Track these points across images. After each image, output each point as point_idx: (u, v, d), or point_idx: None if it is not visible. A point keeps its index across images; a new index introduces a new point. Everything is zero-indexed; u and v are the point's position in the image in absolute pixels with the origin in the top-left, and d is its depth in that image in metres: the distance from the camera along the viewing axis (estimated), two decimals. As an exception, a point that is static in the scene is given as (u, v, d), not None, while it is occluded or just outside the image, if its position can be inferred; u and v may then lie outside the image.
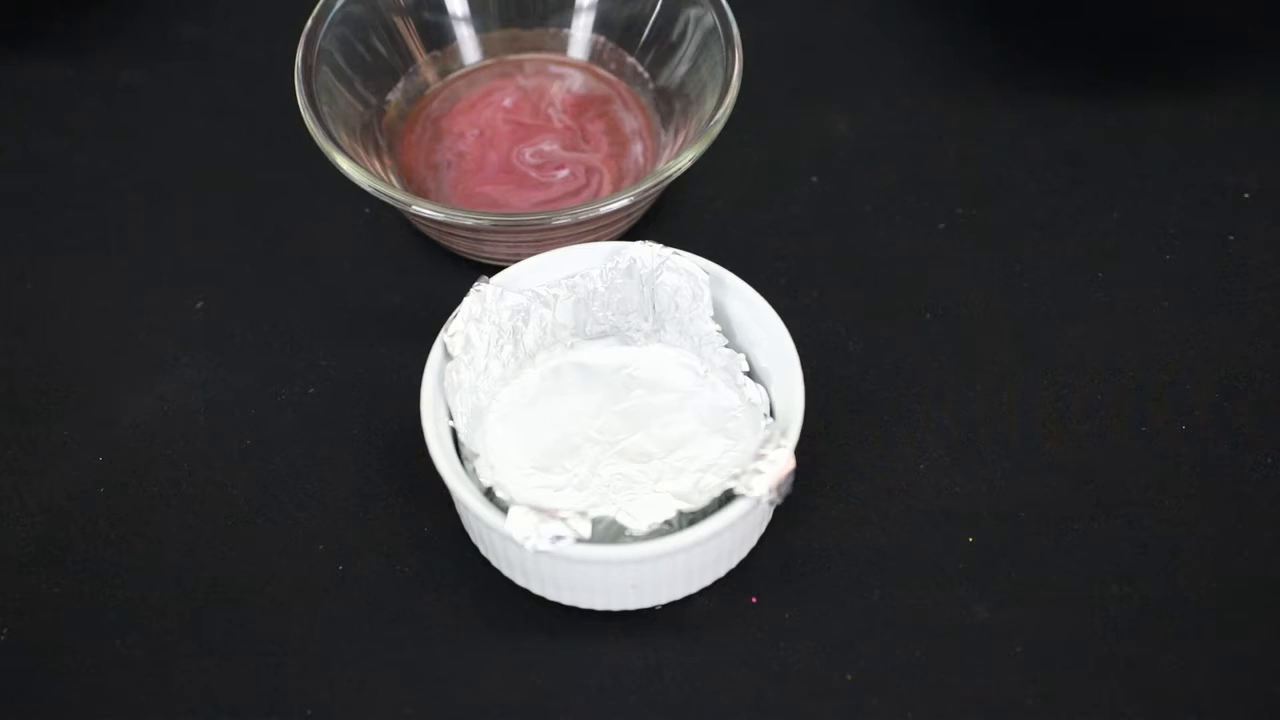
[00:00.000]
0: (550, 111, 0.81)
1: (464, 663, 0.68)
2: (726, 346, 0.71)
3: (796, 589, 0.69)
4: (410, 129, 0.80)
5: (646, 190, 0.72)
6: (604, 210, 0.72)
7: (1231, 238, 0.78)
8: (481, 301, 0.70)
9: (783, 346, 0.69)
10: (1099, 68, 0.84)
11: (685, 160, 0.73)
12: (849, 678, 0.67)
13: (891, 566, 0.70)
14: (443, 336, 0.69)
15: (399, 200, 0.73)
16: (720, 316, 0.71)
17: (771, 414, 0.70)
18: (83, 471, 0.72)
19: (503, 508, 0.65)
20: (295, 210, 0.80)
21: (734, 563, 0.69)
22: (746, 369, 0.71)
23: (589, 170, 0.79)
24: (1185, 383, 0.74)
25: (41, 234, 0.80)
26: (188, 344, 0.76)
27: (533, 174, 0.79)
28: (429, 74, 0.82)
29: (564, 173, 0.79)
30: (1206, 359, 0.75)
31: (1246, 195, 0.80)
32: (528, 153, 0.79)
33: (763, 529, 0.70)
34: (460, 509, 0.69)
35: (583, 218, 0.72)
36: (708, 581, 0.69)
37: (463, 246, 0.77)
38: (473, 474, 0.67)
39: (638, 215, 0.78)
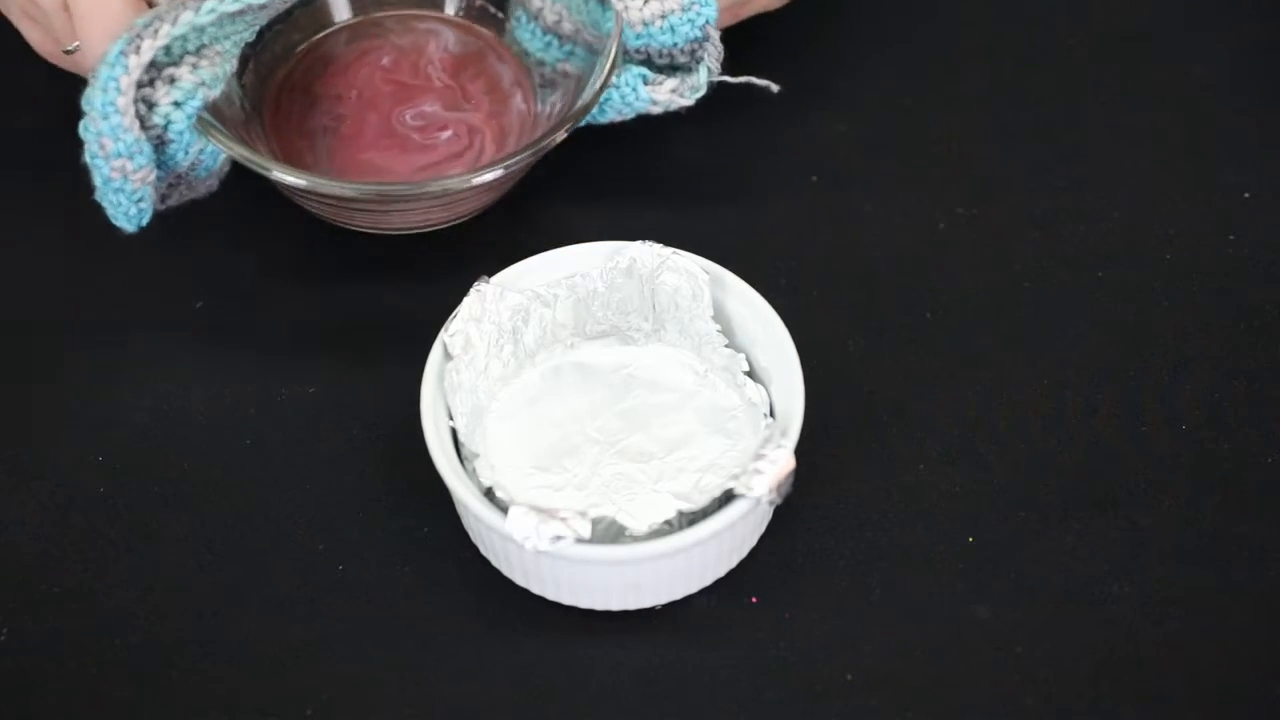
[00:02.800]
0: (430, 70, 0.79)
1: (464, 663, 0.68)
2: (726, 346, 0.71)
3: (796, 589, 0.69)
4: (281, 93, 0.79)
5: (521, 159, 0.72)
6: (476, 182, 0.72)
7: (1231, 238, 0.78)
8: (481, 301, 0.70)
9: (783, 346, 0.69)
10: (1099, 68, 0.84)
11: (561, 134, 0.72)
12: (849, 678, 0.67)
13: (891, 566, 0.70)
14: (443, 336, 0.69)
15: (259, 165, 0.72)
16: (720, 316, 0.71)
17: (771, 414, 0.70)
18: (83, 471, 0.72)
19: (503, 508, 0.65)
20: (294, 210, 0.80)
21: (734, 563, 0.69)
22: (746, 369, 0.71)
23: (471, 130, 0.78)
24: (1185, 382, 0.74)
25: (41, 234, 0.80)
26: (187, 344, 0.76)
27: (415, 136, 0.78)
28: (294, 34, 0.80)
29: (447, 134, 0.78)
30: (1206, 359, 0.75)
31: (1246, 195, 0.80)
32: (409, 115, 0.78)
33: (763, 529, 0.70)
34: (460, 509, 0.69)
35: (455, 189, 0.72)
36: (708, 581, 0.69)
37: (363, 220, 0.76)
38: (473, 474, 0.67)
39: (520, 175, 0.76)
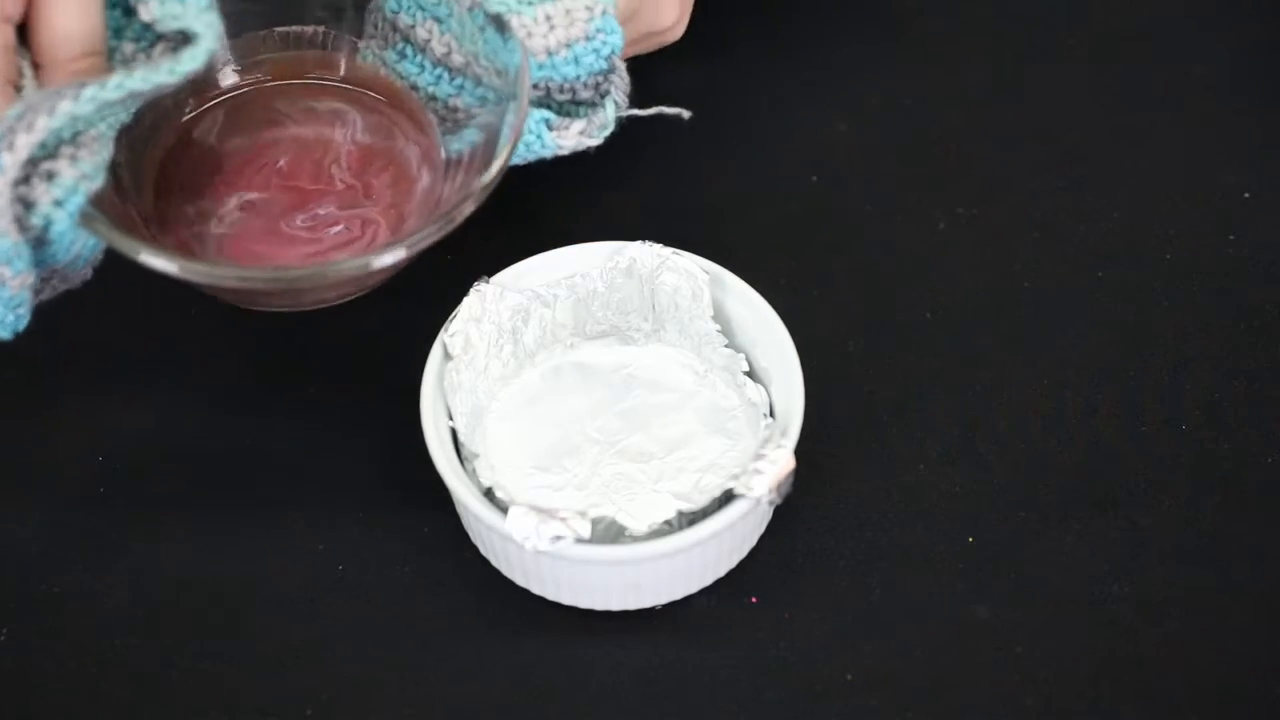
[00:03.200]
0: (334, 170, 0.72)
1: (464, 663, 0.68)
2: (726, 346, 0.71)
3: (796, 589, 0.69)
4: (163, 173, 0.72)
5: (426, 236, 0.65)
6: (376, 266, 0.65)
7: (1232, 238, 0.78)
8: (481, 301, 0.70)
9: (782, 346, 0.69)
10: (1099, 68, 0.84)
11: (467, 209, 0.66)
12: (849, 678, 0.67)
13: (891, 566, 0.70)
14: (443, 336, 0.69)
15: (126, 248, 0.65)
16: (720, 316, 0.71)
17: (771, 414, 0.70)
18: (83, 472, 0.72)
19: (503, 508, 0.65)
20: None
21: (734, 563, 0.69)
22: (746, 369, 0.71)
23: (364, 223, 0.71)
24: (1185, 382, 0.74)
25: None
26: (188, 343, 0.76)
27: (303, 234, 0.71)
28: (174, 106, 0.73)
29: (337, 229, 0.71)
30: (1206, 359, 0.75)
31: (1246, 195, 0.80)
32: (299, 219, 0.71)
33: (762, 529, 0.70)
34: (460, 509, 0.69)
35: (353, 273, 0.66)
36: (708, 581, 0.69)
37: (271, 302, 0.71)
38: (473, 474, 0.67)
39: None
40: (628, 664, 0.68)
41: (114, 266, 0.78)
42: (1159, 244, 0.78)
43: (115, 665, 0.68)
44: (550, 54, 0.69)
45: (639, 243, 0.71)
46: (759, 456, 0.65)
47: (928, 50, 0.85)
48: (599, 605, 0.68)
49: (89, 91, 0.62)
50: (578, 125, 0.71)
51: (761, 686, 0.67)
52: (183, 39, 0.67)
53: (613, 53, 0.70)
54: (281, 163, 0.73)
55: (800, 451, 0.67)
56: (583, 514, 0.64)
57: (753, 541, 0.69)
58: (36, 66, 0.66)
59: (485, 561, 0.69)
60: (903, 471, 0.72)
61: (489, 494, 0.67)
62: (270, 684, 0.67)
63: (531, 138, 0.71)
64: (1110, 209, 0.79)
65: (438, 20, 0.72)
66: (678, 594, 0.68)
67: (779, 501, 0.65)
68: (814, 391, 0.69)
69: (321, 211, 0.72)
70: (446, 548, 0.70)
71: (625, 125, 0.75)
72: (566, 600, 0.68)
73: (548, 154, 0.72)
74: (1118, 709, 0.66)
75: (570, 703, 0.67)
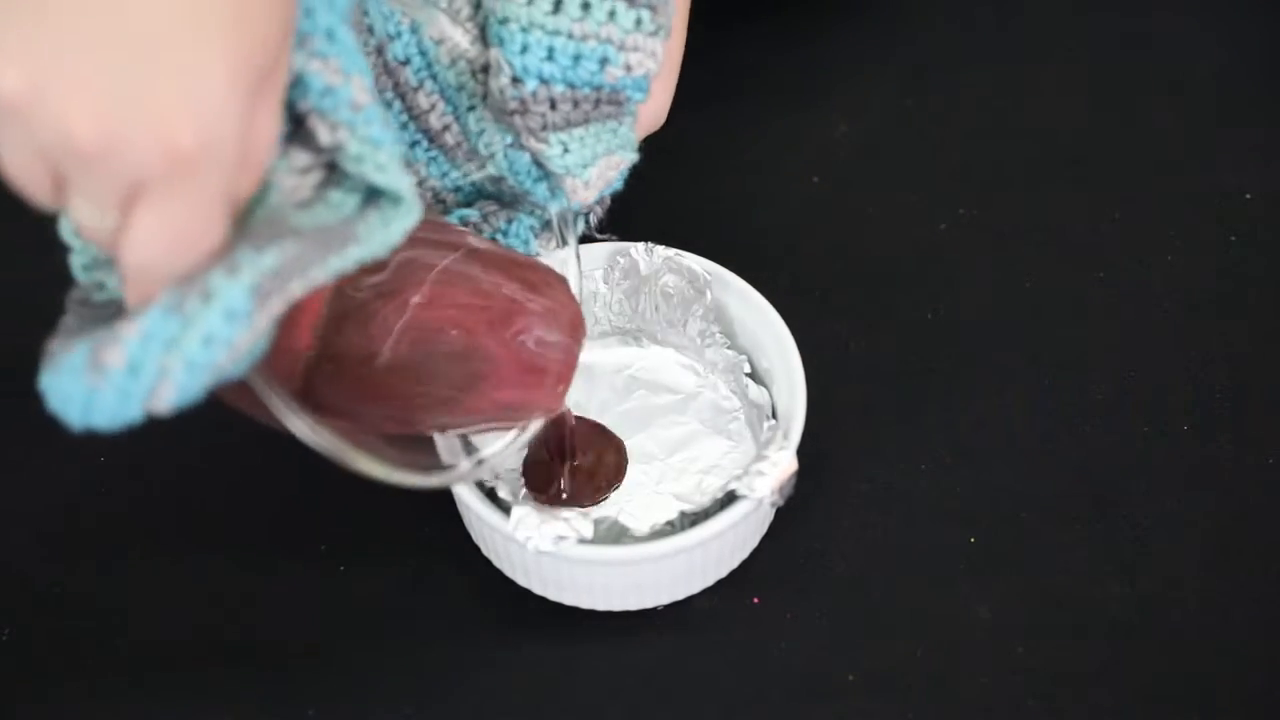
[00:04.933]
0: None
1: (464, 663, 0.68)
2: (728, 348, 0.71)
3: (797, 589, 0.69)
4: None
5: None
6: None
7: (1232, 238, 0.78)
8: (483, 302, 0.70)
9: (784, 347, 0.69)
10: (1099, 68, 0.84)
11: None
12: (849, 678, 0.67)
13: (891, 566, 0.70)
14: (444, 337, 0.69)
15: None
16: (722, 317, 0.71)
17: (773, 415, 0.70)
18: (83, 472, 0.72)
19: (505, 508, 0.65)
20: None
21: (735, 563, 0.69)
22: (748, 370, 0.71)
23: None
24: (1186, 383, 0.74)
25: (41, 235, 0.79)
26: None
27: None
28: None
29: None
30: (1207, 359, 0.75)
31: (1247, 195, 0.80)
32: None
33: (764, 529, 0.70)
34: (462, 509, 0.69)
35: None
36: (709, 582, 0.69)
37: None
38: (474, 474, 0.67)
39: None
40: (629, 664, 0.68)
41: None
42: (1159, 244, 0.78)
43: (115, 665, 0.68)
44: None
45: (641, 243, 0.71)
46: (761, 458, 0.65)
47: (928, 50, 0.85)
48: (601, 605, 0.68)
49: (337, 262, 0.56)
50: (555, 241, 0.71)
51: (763, 686, 0.67)
52: (364, 191, 0.59)
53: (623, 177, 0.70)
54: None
55: (801, 451, 0.67)
56: (585, 514, 0.64)
57: (754, 542, 0.69)
58: None
59: (487, 561, 0.69)
60: (903, 471, 0.72)
61: (491, 494, 0.67)
62: (270, 684, 0.67)
63: (516, 241, 0.72)
64: (1110, 209, 0.80)
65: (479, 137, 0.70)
66: (679, 594, 0.68)
67: (781, 503, 0.65)
68: (815, 391, 0.69)
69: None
70: (448, 548, 0.70)
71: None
72: (568, 600, 0.68)
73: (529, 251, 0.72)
74: (1118, 709, 0.66)
75: (571, 703, 0.67)
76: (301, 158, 0.58)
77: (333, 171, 0.58)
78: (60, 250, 0.79)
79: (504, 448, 0.65)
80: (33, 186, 0.53)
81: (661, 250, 0.71)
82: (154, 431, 0.73)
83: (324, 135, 0.57)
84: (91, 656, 0.68)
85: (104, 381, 0.54)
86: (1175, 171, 0.81)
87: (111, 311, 0.57)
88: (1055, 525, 0.70)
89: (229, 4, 0.51)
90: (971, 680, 0.67)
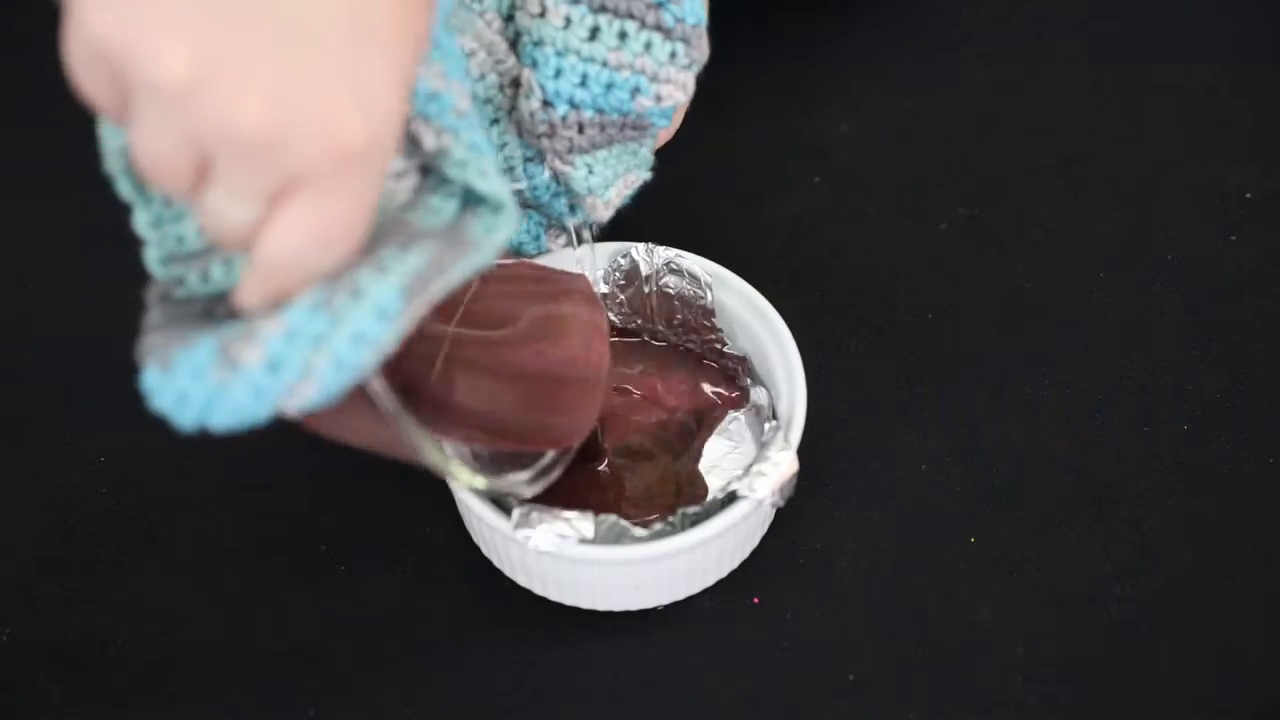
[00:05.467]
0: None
1: (464, 663, 0.68)
2: (729, 348, 0.71)
3: (798, 589, 0.69)
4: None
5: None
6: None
7: (1232, 238, 0.78)
8: (483, 302, 0.70)
9: (785, 348, 0.69)
10: (1099, 68, 0.84)
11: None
12: (850, 678, 0.67)
13: (892, 566, 0.70)
14: (445, 337, 0.69)
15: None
16: (723, 317, 0.71)
17: (774, 415, 0.70)
18: (83, 471, 0.72)
19: (505, 508, 0.65)
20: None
21: (736, 563, 0.69)
22: (749, 371, 0.71)
23: None
24: (1186, 382, 0.74)
25: (42, 234, 0.79)
26: (189, 344, 0.76)
27: None
28: None
29: None
30: (1207, 359, 0.75)
31: (1247, 195, 0.80)
32: None
33: (764, 530, 0.70)
34: (462, 509, 0.68)
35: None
36: (710, 582, 0.68)
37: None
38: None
39: None
40: (629, 664, 0.68)
41: (113, 266, 0.78)
42: (1159, 244, 0.78)
43: (115, 666, 0.68)
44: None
45: (641, 244, 0.71)
46: (762, 458, 0.65)
47: (928, 50, 0.85)
48: (601, 605, 0.68)
49: (463, 267, 0.56)
50: (562, 239, 0.72)
51: (763, 687, 0.67)
52: (462, 196, 0.58)
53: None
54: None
55: (801, 451, 0.67)
56: (585, 514, 0.64)
57: (755, 542, 0.69)
58: None
59: (487, 561, 0.69)
60: (903, 471, 0.72)
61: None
62: (270, 684, 0.67)
63: (527, 238, 0.71)
64: (1110, 209, 0.79)
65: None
66: (680, 594, 0.68)
67: (781, 503, 0.65)
68: (815, 391, 0.69)
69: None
70: (448, 548, 0.70)
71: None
72: (569, 600, 0.68)
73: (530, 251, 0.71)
74: (1118, 709, 0.66)
75: (571, 703, 0.67)
76: (397, 162, 0.57)
77: (426, 177, 0.58)
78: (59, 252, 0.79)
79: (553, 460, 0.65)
80: (169, 173, 0.51)
81: (662, 251, 0.71)
82: (155, 431, 0.73)
83: (428, 140, 0.56)
84: (91, 658, 0.68)
85: (237, 379, 0.53)
86: (1175, 171, 0.81)
87: (198, 309, 0.56)
88: (1055, 525, 0.70)
89: (393, 3, 0.51)
90: (971, 680, 0.67)
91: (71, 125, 0.83)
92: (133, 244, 0.77)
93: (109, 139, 0.56)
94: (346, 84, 0.50)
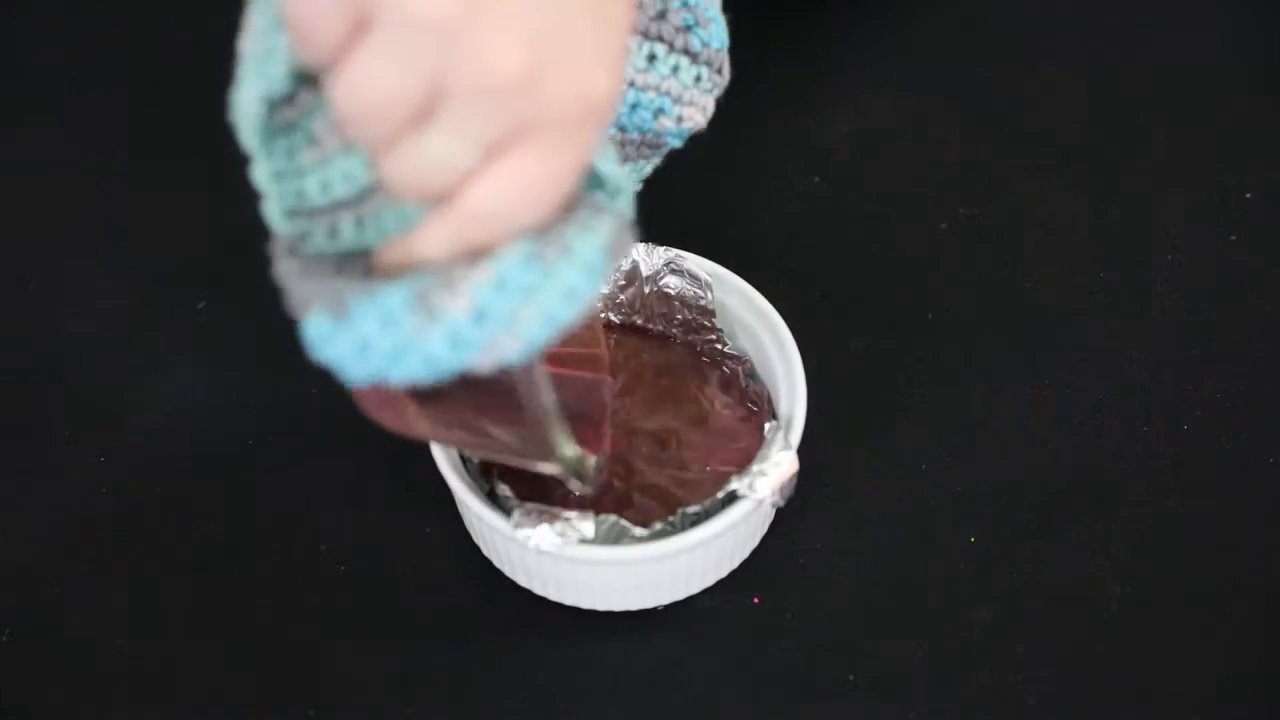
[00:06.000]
0: None
1: (464, 663, 0.68)
2: (729, 348, 0.71)
3: (798, 589, 0.69)
4: None
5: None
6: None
7: (1232, 238, 0.78)
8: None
9: (785, 348, 0.69)
10: (1099, 68, 0.84)
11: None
12: (851, 678, 0.67)
13: (892, 566, 0.70)
14: (444, 337, 0.69)
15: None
16: (723, 317, 0.71)
17: (774, 415, 0.70)
18: (83, 471, 0.72)
19: (505, 508, 0.65)
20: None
21: (736, 563, 0.69)
22: (750, 371, 0.71)
23: None
24: (1186, 383, 0.74)
25: (42, 234, 0.80)
26: (189, 344, 0.76)
27: None
28: None
29: None
30: (1207, 359, 0.75)
31: (1247, 195, 0.80)
32: None
33: (765, 529, 0.70)
34: (462, 509, 0.68)
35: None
36: (710, 582, 0.68)
37: None
38: (475, 474, 0.67)
39: None
40: (630, 664, 0.68)
41: (114, 266, 0.78)
42: (1159, 244, 0.78)
43: (115, 665, 0.68)
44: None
45: (642, 244, 0.71)
46: (762, 458, 0.65)
47: (928, 50, 0.85)
48: (601, 605, 0.68)
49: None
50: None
51: (763, 687, 0.67)
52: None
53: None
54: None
55: (801, 451, 0.67)
56: (586, 514, 0.64)
57: (755, 542, 0.69)
58: None
59: (487, 561, 0.69)
60: (903, 471, 0.72)
61: (491, 494, 0.67)
62: (270, 684, 0.67)
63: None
64: (1110, 209, 0.79)
65: None
66: (680, 594, 0.68)
67: (782, 503, 0.65)
68: (815, 391, 0.69)
69: None
70: (448, 548, 0.70)
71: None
72: (569, 600, 0.68)
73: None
74: (1118, 709, 0.66)
75: (571, 703, 0.67)
76: None
77: None
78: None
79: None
80: (388, 111, 0.49)
81: (662, 251, 0.71)
82: (155, 431, 0.74)
83: None
84: (91, 656, 0.68)
85: (435, 328, 0.51)
86: (1175, 171, 0.81)
87: (330, 265, 0.55)
88: (1055, 525, 0.70)
89: None
90: (971, 680, 0.67)
91: (72, 125, 0.84)
92: (135, 245, 0.78)
93: (249, 84, 0.54)
94: (593, 37, 0.49)
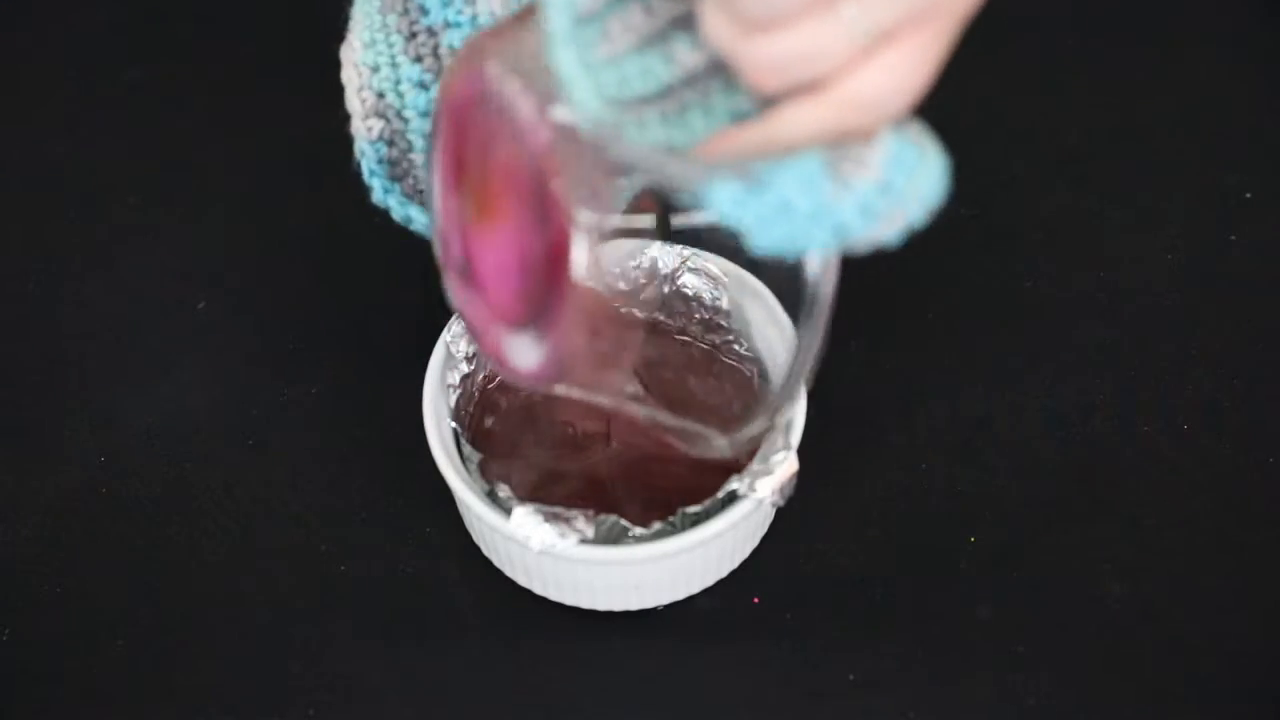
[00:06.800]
0: None
1: (464, 663, 0.68)
2: (744, 349, 0.71)
3: (797, 589, 0.69)
4: None
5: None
6: None
7: (1232, 238, 0.78)
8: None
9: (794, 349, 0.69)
10: (1099, 68, 0.84)
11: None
12: (850, 678, 0.67)
13: (892, 566, 0.70)
14: (444, 338, 0.69)
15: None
16: (739, 318, 0.71)
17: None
18: (83, 471, 0.72)
19: (505, 508, 0.65)
20: (297, 210, 0.80)
21: (736, 563, 0.69)
22: (763, 373, 0.71)
23: None
24: (1186, 383, 0.74)
25: (42, 234, 0.80)
26: (189, 344, 0.76)
27: None
28: None
29: None
30: (1207, 359, 0.75)
31: (1247, 195, 0.80)
32: None
33: (764, 529, 0.70)
34: (462, 509, 0.68)
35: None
36: (710, 582, 0.68)
37: None
38: (475, 474, 0.67)
39: None
40: (629, 664, 0.68)
41: (114, 266, 0.78)
42: (1159, 244, 0.78)
43: (115, 665, 0.68)
44: None
45: (660, 243, 0.71)
46: (762, 458, 0.65)
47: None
48: (601, 606, 0.68)
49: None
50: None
51: (763, 686, 0.67)
52: None
53: None
54: None
55: (801, 451, 0.67)
56: (586, 515, 0.64)
57: (755, 542, 0.69)
58: None
59: (487, 561, 0.69)
60: (903, 471, 0.72)
61: (491, 494, 0.67)
62: (270, 684, 0.67)
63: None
64: (1110, 209, 0.79)
65: None
66: (680, 595, 0.68)
67: (781, 503, 0.65)
68: (815, 391, 0.69)
69: None
70: (448, 548, 0.70)
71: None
72: (568, 600, 0.68)
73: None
74: (1118, 709, 0.66)
75: (571, 703, 0.67)
76: None
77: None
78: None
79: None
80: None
81: (680, 249, 0.71)
82: (155, 431, 0.73)
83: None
84: (91, 657, 0.68)
85: (849, 195, 0.54)
86: (1175, 171, 0.81)
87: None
88: (1055, 525, 0.70)
89: None
90: (971, 680, 0.67)
91: (72, 125, 0.84)
92: (135, 244, 0.77)
93: None
94: None
